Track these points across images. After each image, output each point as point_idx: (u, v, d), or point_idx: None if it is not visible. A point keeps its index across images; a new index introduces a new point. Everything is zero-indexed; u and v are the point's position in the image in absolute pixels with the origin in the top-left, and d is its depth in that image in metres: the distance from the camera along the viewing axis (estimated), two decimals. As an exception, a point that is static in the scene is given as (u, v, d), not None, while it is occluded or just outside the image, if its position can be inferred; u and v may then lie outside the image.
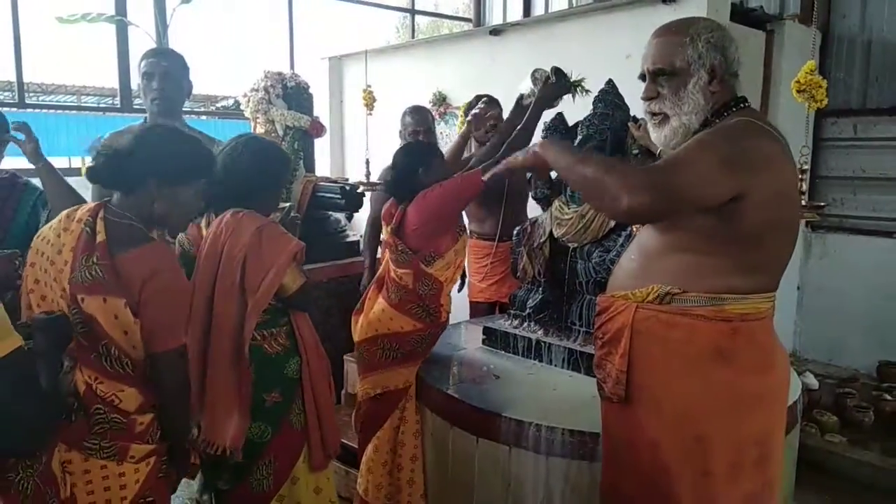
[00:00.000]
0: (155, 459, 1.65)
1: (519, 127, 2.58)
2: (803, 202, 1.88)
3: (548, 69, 2.60)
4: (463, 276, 3.44)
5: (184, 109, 2.83)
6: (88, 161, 1.72)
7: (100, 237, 1.56)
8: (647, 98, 1.60)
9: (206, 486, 2.13)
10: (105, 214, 1.61)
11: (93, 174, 1.67)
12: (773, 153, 1.46)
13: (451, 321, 3.11)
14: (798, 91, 1.92)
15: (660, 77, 1.56)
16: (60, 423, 1.40)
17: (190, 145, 1.74)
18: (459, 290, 3.50)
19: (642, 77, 1.61)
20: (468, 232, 3.34)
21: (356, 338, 2.53)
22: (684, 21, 1.58)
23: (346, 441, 2.95)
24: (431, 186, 2.42)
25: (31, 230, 1.74)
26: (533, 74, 2.64)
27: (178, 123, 2.66)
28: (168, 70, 2.60)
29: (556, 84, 2.57)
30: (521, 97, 2.70)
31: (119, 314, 1.55)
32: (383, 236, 2.57)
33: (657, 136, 1.63)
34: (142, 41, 4.49)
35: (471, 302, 3.51)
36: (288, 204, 2.51)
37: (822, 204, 2.10)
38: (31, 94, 6.49)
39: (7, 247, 1.95)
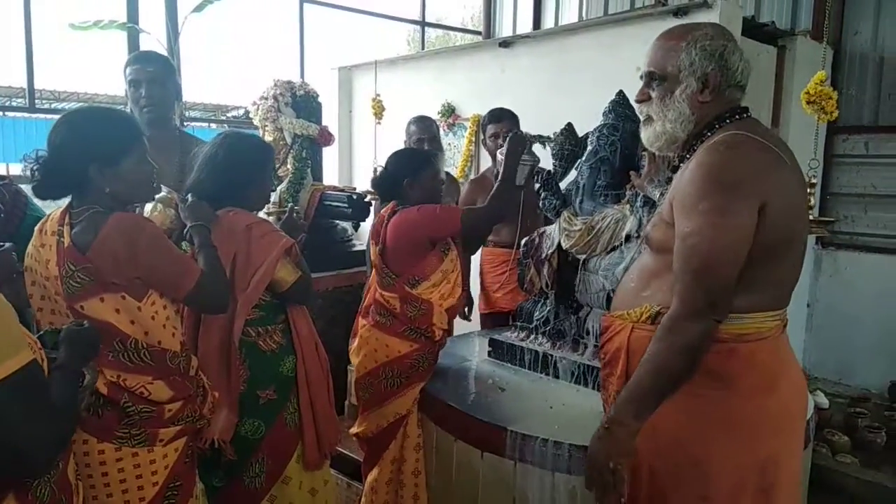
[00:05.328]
0: (184, 442, 1.69)
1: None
2: (811, 217, 1.82)
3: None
4: (470, 301, 3.35)
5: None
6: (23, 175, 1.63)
7: (66, 241, 1.55)
8: (639, 100, 1.58)
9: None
10: (70, 220, 1.59)
11: (39, 191, 1.62)
12: (765, 161, 1.39)
13: (465, 331, 3.05)
14: (808, 102, 1.88)
15: (652, 81, 1.53)
16: (70, 438, 1.38)
17: (105, 116, 1.68)
18: (469, 317, 3.41)
19: (642, 77, 1.57)
20: (486, 240, 3.26)
21: (357, 375, 2.44)
22: (689, 26, 1.53)
23: (347, 452, 2.92)
24: (414, 207, 2.37)
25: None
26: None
27: (170, 130, 2.59)
28: (155, 75, 2.53)
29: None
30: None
31: (120, 306, 1.56)
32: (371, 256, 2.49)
33: (643, 135, 1.61)
34: (153, 49, 4.49)
35: (482, 314, 3.40)
36: (290, 205, 2.48)
37: (832, 220, 2.06)
38: (42, 101, 6.52)
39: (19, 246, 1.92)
